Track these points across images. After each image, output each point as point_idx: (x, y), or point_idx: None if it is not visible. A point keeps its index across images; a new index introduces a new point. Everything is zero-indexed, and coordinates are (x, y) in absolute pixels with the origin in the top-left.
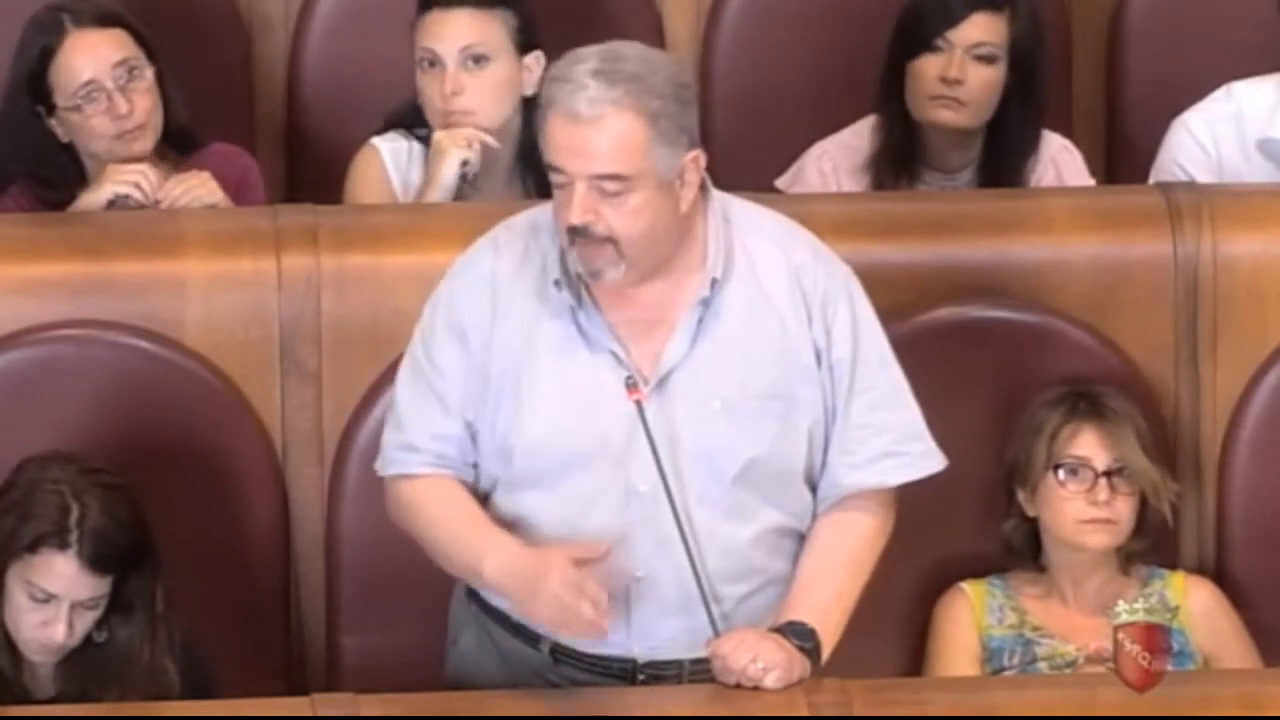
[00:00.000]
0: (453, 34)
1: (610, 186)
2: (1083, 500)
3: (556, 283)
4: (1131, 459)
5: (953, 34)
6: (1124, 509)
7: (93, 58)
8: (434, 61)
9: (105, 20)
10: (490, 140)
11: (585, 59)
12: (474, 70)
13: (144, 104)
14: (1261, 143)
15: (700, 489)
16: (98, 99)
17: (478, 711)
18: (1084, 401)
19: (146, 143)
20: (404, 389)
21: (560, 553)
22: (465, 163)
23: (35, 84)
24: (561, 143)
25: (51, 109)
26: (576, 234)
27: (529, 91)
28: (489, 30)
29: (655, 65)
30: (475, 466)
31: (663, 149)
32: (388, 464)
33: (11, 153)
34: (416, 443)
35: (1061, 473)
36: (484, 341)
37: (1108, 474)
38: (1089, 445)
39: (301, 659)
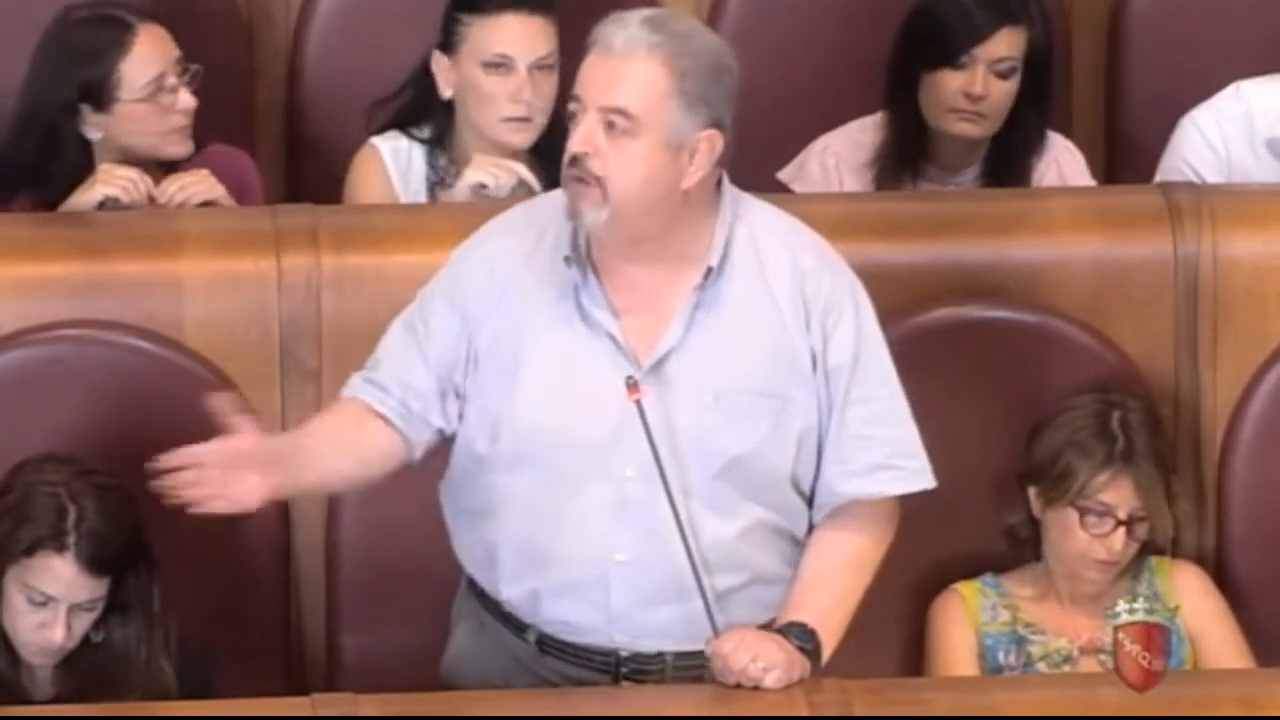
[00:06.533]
0: (530, 41)
1: (617, 124)
2: (1097, 542)
3: (567, 259)
4: (1155, 513)
5: (979, 50)
6: (1130, 551)
7: (163, 51)
8: (500, 65)
9: (158, 18)
10: (529, 176)
11: (643, 11)
12: (542, 77)
13: (193, 101)
14: (1270, 142)
15: (686, 478)
16: (166, 90)
17: (477, 711)
18: (1124, 441)
19: (188, 145)
20: (392, 336)
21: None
22: (483, 186)
23: (95, 81)
24: (588, 72)
25: (103, 106)
26: (573, 166)
27: None
28: (554, 38)
29: (703, 36)
30: (437, 432)
31: (679, 108)
32: (348, 387)
33: (24, 154)
34: (386, 384)
35: (1085, 512)
36: (484, 316)
37: (1128, 522)
38: (1118, 495)
39: (301, 659)
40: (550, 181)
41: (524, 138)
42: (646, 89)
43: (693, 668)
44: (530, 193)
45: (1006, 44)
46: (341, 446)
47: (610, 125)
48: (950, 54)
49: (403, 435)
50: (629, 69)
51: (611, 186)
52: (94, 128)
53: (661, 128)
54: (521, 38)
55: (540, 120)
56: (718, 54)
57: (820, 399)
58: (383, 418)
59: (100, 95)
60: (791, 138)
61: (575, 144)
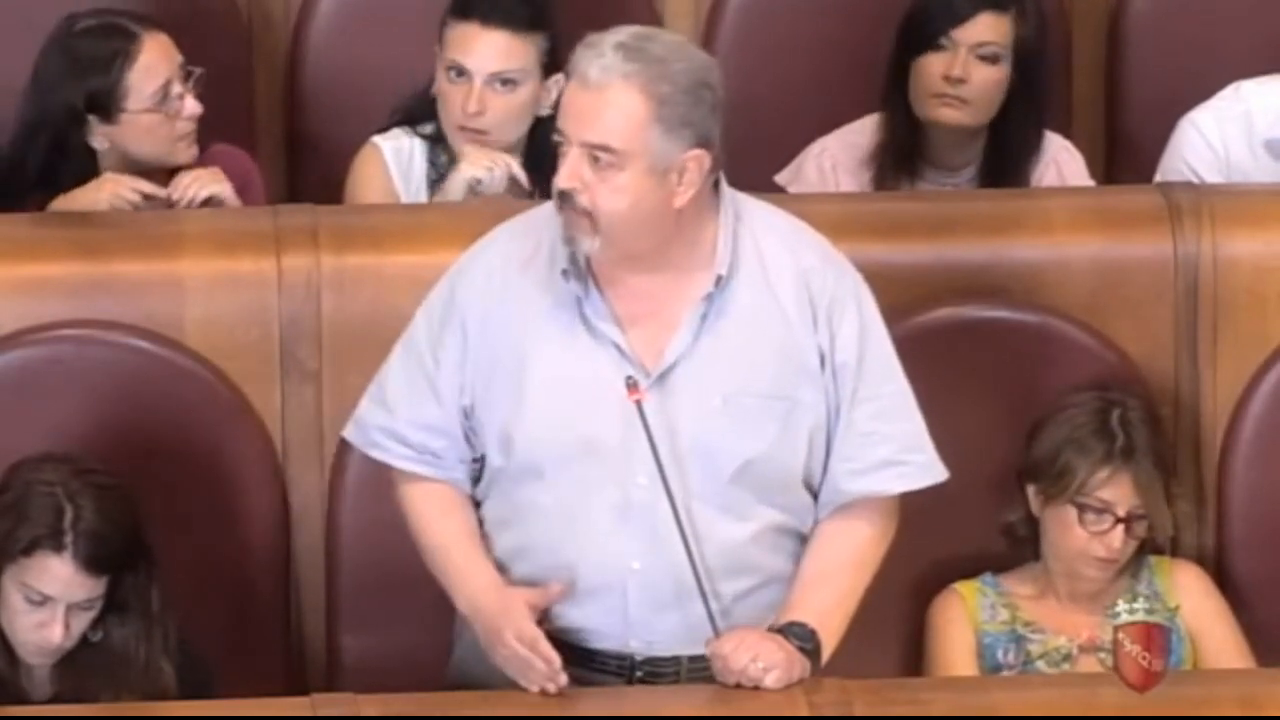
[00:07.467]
0: (487, 54)
1: (601, 158)
2: (1096, 540)
3: (564, 272)
4: (1154, 511)
5: (958, 33)
6: (1129, 549)
7: (168, 59)
8: (461, 73)
9: (160, 25)
10: (518, 172)
11: (618, 33)
12: (500, 92)
13: (199, 107)
14: (1269, 142)
15: (697, 485)
16: (172, 98)
17: (478, 711)
18: (1123, 439)
19: (194, 150)
20: (397, 369)
21: (519, 601)
22: (478, 181)
23: (101, 92)
24: (568, 105)
25: (110, 116)
26: (563, 199)
27: (543, 112)
28: (523, 55)
29: (681, 56)
30: (470, 463)
31: (661, 135)
32: (368, 443)
33: (30, 163)
34: (405, 433)
35: (1083, 509)
36: (486, 331)
37: (1127, 519)
38: (1117, 492)
39: (301, 659)
40: (543, 192)
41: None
42: (626, 121)
43: (707, 670)
44: (519, 187)
45: (987, 29)
46: (468, 529)
47: (595, 159)
48: (931, 36)
49: (441, 481)
50: (606, 101)
51: (600, 218)
52: (100, 138)
53: (645, 156)
54: (478, 49)
55: (502, 134)
56: (697, 73)
57: (828, 396)
58: (417, 475)
59: (107, 106)
60: (790, 139)
61: (562, 180)
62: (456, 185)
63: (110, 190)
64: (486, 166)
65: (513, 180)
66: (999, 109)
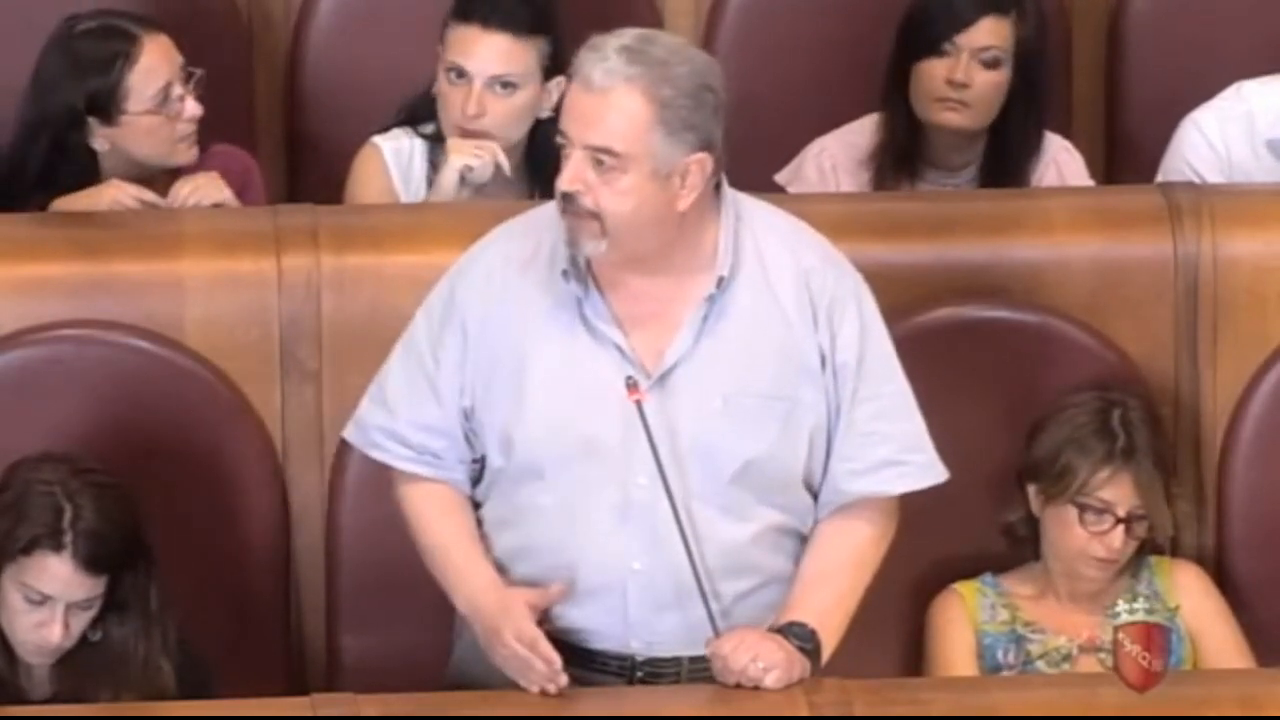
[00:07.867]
0: (488, 57)
1: (604, 161)
2: (1096, 540)
3: (565, 273)
4: (1154, 511)
5: (961, 38)
6: (1129, 549)
7: (169, 60)
8: (462, 74)
9: (161, 26)
10: (503, 160)
11: (621, 36)
12: (499, 95)
13: (199, 109)
14: (1271, 142)
15: (697, 485)
16: (173, 100)
17: (478, 711)
18: (1124, 439)
19: (195, 151)
20: (397, 369)
21: (519, 601)
22: (469, 169)
23: (102, 94)
24: (570, 107)
25: (110, 118)
26: (566, 202)
27: (544, 114)
28: (523, 59)
29: (683, 58)
30: (470, 463)
31: (664, 138)
32: (368, 444)
33: (31, 165)
34: (405, 434)
35: (1084, 509)
36: (486, 331)
37: (1127, 519)
38: (1118, 492)
39: (301, 659)
40: (542, 193)
41: None
42: (628, 125)
43: (708, 670)
44: (502, 174)
45: (989, 33)
46: (468, 529)
47: (598, 162)
48: (934, 42)
49: (441, 481)
50: (609, 104)
51: (607, 220)
52: (101, 139)
53: (648, 159)
54: (478, 52)
55: (502, 136)
56: (699, 75)
57: (828, 396)
58: (417, 475)
59: (107, 108)
60: (790, 139)
61: (565, 182)
62: (449, 178)
63: (111, 197)
64: (476, 154)
65: (497, 166)
66: (999, 110)
